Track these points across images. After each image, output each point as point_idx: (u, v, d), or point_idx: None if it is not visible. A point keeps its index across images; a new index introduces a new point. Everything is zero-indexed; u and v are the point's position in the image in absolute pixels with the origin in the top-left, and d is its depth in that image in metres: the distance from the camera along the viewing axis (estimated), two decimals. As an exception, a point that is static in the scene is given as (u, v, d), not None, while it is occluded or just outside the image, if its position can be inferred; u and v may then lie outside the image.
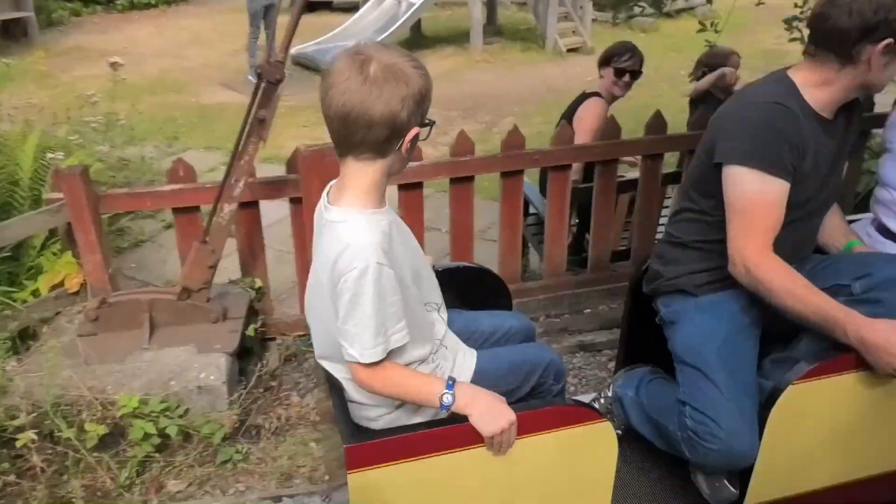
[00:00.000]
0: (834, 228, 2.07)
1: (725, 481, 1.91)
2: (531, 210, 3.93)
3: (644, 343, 2.23)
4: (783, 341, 1.89)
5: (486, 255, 3.37)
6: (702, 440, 1.77)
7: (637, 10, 4.95)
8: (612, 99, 3.67)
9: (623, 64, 3.56)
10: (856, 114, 1.92)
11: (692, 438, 1.80)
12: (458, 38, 11.82)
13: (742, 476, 1.82)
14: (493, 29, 12.48)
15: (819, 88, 1.79)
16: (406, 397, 1.55)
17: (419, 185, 3.04)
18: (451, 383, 1.51)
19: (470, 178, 3.08)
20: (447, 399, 1.49)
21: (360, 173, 1.43)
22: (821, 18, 1.75)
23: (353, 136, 1.37)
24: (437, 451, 1.47)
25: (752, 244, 1.73)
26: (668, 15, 12.27)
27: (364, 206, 1.44)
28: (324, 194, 1.53)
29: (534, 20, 11.93)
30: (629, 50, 3.59)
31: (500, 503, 1.57)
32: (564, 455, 1.58)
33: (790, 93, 1.79)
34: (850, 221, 2.19)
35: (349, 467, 1.42)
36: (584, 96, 3.66)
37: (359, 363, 1.44)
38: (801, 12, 3.84)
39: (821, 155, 1.81)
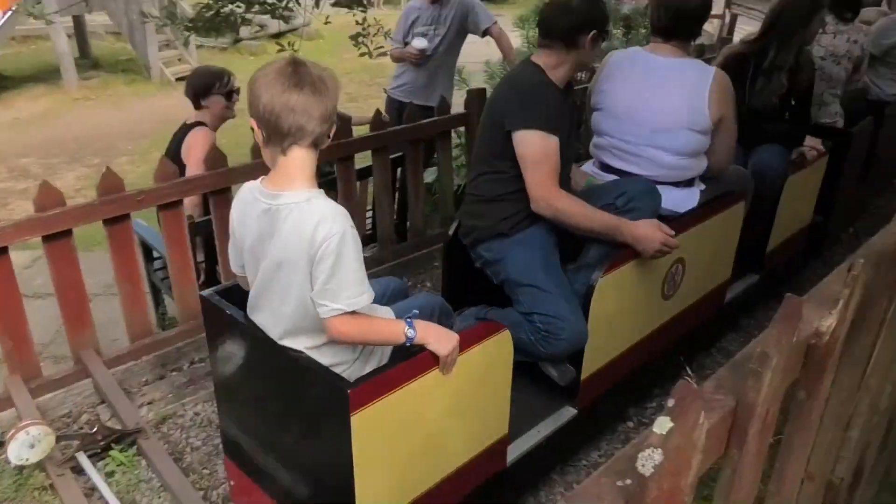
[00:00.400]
0: (574, 172, 2.77)
1: (568, 364, 2.49)
2: (155, 254, 3.69)
3: (461, 292, 2.72)
4: (572, 255, 2.54)
5: (117, 310, 3.06)
6: (554, 335, 2.32)
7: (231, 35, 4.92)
8: (218, 125, 3.63)
9: (229, 86, 3.57)
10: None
11: (546, 337, 2.34)
12: (48, 75, 10.58)
13: (576, 357, 2.44)
14: (90, 62, 11.44)
15: (556, 69, 2.42)
16: (377, 338, 1.81)
17: (4, 251, 2.62)
18: (410, 321, 1.78)
19: (68, 233, 2.75)
20: (410, 333, 1.76)
21: (305, 164, 1.68)
22: (550, 17, 2.42)
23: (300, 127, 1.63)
24: (409, 380, 1.77)
25: (547, 186, 2.33)
26: (276, 36, 12.54)
27: (313, 186, 1.69)
28: (255, 189, 1.74)
29: (133, 50, 11.22)
30: (221, 72, 3.59)
31: (451, 412, 1.96)
32: (483, 362, 1.99)
33: (541, 73, 2.41)
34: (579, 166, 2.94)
35: (352, 410, 1.63)
36: (185, 128, 3.53)
37: (344, 314, 1.65)
38: (363, 29, 4.22)
39: (566, 117, 2.46)
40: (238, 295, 2.00)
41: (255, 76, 1.64)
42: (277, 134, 1.64)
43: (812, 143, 3.61)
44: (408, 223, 4.38)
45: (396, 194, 4.43)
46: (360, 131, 3.90)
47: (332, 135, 1.71)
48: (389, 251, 4.13)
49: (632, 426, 2.91)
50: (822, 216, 3.94)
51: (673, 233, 2.42)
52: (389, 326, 1.82)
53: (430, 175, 4.84)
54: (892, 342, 1.46)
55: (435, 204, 4.65)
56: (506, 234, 2.45)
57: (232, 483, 2.36)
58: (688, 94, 2.59)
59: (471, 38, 4.88)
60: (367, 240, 4.31)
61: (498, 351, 2.04)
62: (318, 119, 1.63)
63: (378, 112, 3.96)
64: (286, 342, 1.82)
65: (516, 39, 5.73)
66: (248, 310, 1.91)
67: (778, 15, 3.35)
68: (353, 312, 1.67)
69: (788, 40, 3.30)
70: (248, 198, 1.77)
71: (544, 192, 2.33)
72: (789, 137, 3.52)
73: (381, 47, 4.34)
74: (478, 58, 5.80)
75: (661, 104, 2.60)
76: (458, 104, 4.56)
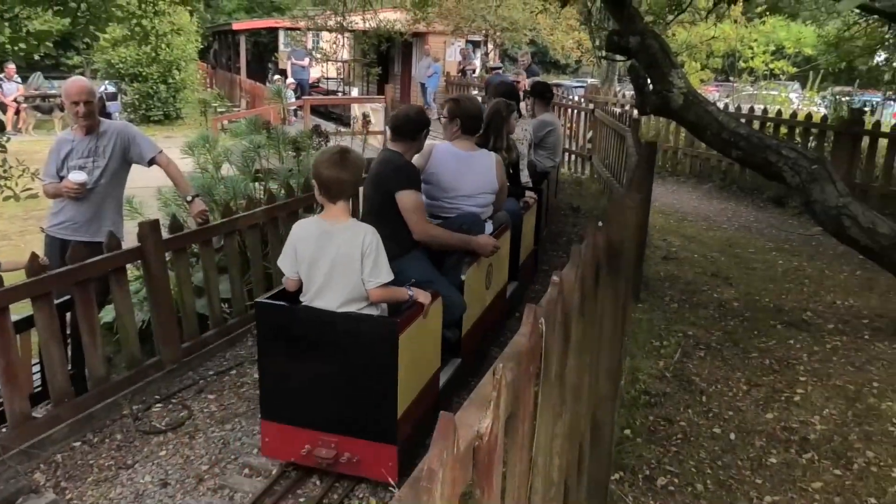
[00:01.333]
0: None
1: (455, 328, 3.79)
2: None
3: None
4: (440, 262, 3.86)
5: None
6: (449, 308, 3.56)
7: None
8: None
9: None
10: None
11: (447, 309, 3.52)
12: None
13: (458, 325, 3.82)
14: None
15: (406, 152, 3.83)
16: (393, 298, 3.13)
17: None
18: (409, 287, 3.20)
19: None
20: (410, 293, 3.16)
21: (347, 207, 3.10)
22: (401, 124, 3.85)
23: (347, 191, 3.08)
24: (413, 319, 3.08)
25: (423, 222, 3.69)
26: None
27: (348, 218, 3.09)
28: (313, 222, 3.15)
29: None
30: None
31: (424, 341, 3.26)
32: (435, 314, 3.35)
33: (400, 156, 3.78)
34: None
35: (399, 332, 2.91)
36: None
37: (381, 285, 2.99)
38: (3, 171, 3.89)
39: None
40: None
41: (320, 159, 3.09)
42: (330, 193, 3.03)
43: (529, 196, 5.42)
44: (86, 372, 3.95)
45: (69, 342, 3.99)
46: (15, 277, 3.47)
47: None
48: (67, 407, 3.66)
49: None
50: (536, 244, 5.87)
51: (498, 242, 4.08)
52: (400, 291, 3.15)
53: (109, 313, 4.47)
54: (548, 422, 1.71)
55: (119, 343, 4.28)
56: (401, 256, 3.52)
57: (266, 440, 3.25)
58: (484, 172, 4.22)
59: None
60: (35, 399, 3.81)
61: (439, 307, 3.41)
62: (352, 186, 3.14)
63: (34, 255, 3.58)
64: (342, 309, 3.02)
65: (188, 165, 5.66)
66: (306, 300, 3.11)
67: (490, 117, 5.03)
68: (384, 284, 3.01)
69: (499, 132, 5.12)
70: (307, 227, 3.13)
71: (422, 226, 3.69)
72: (517, 193, 5.22)
73: (30, 188, 3.95)
74: (150, 184, 5.59)
75: (468, 182, 4.17)
76: (132, 234, 4.32)
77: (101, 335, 3.97)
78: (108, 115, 15.96)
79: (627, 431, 3.43)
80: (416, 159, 4.03)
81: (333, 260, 2.98)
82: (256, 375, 4.33)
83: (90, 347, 3.83)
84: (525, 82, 10.79)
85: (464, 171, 4.16)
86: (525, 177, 5.77)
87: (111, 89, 16.26)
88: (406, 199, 3.63)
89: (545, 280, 5.92)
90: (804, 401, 3.82)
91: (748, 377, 4.11)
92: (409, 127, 3.83)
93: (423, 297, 3.18)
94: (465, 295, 3.76)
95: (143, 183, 5.13)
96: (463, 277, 3.77)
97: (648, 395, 3.83)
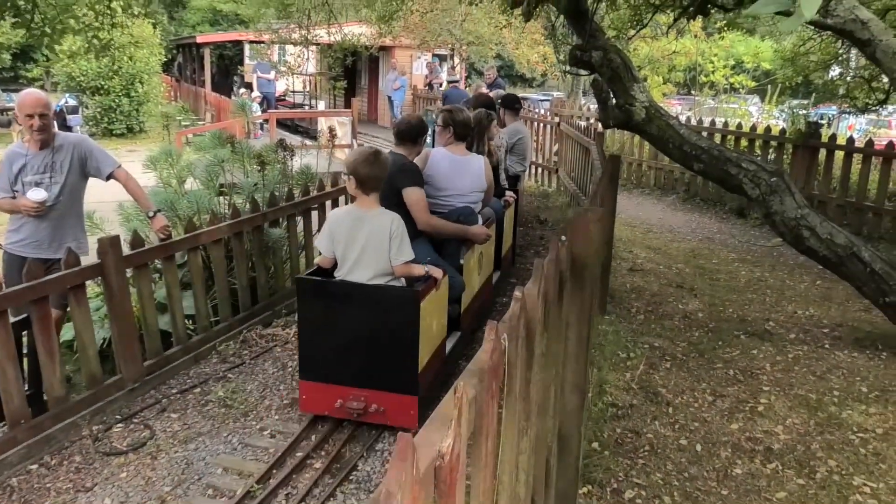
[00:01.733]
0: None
1: (455, 304, 4.39)
2: None
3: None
4: (440, 249, 4.40)
5: None
6: (452, 286, 4.13)
7: None
8: None
9: None
10: None
11: (453, 291, 4.18)
12: None
13: (457, 301, 4.37)
14: None
15: (409, 155, 4.45)
16: (414, 273, 3.69)
17: None
18: (427, 264, 3.81)
19: None
20: (427, 269, 3.74)
21: (377, 198, 3.67)
22: (404, 130, 4.47)
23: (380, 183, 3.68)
24: (430, 290, 3.68)
25: (426, 214, 4.26)
26: None
27: (378, 207, 3.69)
28: (349, 210, 3.79)
29: None
30: None
31: (434, 312, 3.82)
32: (444, 287, 3.97)
33: (405, 157, 4.41)
34: None
35: (420, 300, 3.53)
36: None
37: (405, 262, 3.60)
38: None
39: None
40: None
41: (356, 159, 3.64)
42: (365, 186, 3.61)
43: (509, 195, 6.06)
44: (44, 392, 3.84)
45: (25, 361, 3.88)
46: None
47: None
48: (24, 429, 3.55)
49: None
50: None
51: (490, 231, 4.83)
52: (418, 268, 3.72)
53: (68, 331, 4.37)
54: (512, 438, 1.70)
55: (79, 362, 4.17)
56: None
57: (304, 397, 3.82)
58: (475, 173, 4.75)
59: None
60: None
61: (445, 284, 3.98)
62: (382, 180, 3.68)
63: None
64: (372, 282, 3.61)
65: (150, 180, 5.56)
66: (340, 275, 3.70)
67: (476, 124, 5.35)
68: (407, 262, 3.61)
69: (482, 139, 5.57)
70: (342, 214, 3.78)
71: (425, 217, 4.26)
72: (497, 193, 5.67)
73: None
74: (111, 198, 5.48)
75: (461, 182, 4.70)
76: (95, 248, 4.23)
77: (60, 354, 3.86)
78: (69, 129, 15.69)
79: (595, 444, 3.44)
80: (416, 161, 4.53)
81: (366, 241, 3.61)
82: (221, 393, 4.26)
83: (48, 367, 3.73)
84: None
85: (457, 172, 4.70)
86: (502, 180, 6.35)
87: (72, 102, 15.98)
88: (411, 195, 4.23)
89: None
90: (768, 410, 3.87)
91: (713, 388, 4.16)
92: (412, 133, 4.47)
93: (436, 272, 3.79)
94: (463, 276, 4.39)
95: (104, 197, 5.03)
96: (462, 261, 4.43)
97: (616, 407, 3.85)
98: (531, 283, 1.81)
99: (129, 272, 4.33)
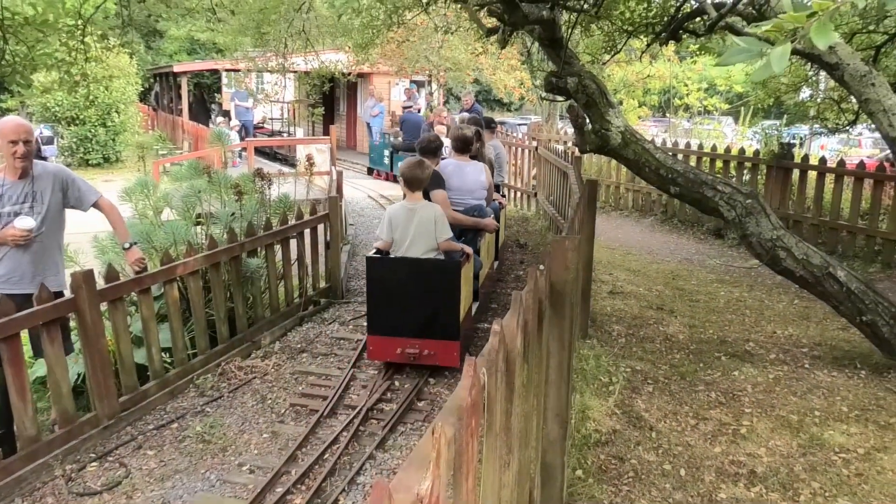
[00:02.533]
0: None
1: (475, 280, 5.52)
2: None
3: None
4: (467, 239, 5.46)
5: None
6: (475, 265, 5.46)
7: None
8: None
9: None
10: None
11: (474, 269, 5.49)
12: None
13: (476, 277, 5.66)
14: None
15: (431, 164, 5.42)
16: (454, 248, 4.90)
17: None
18: (462, 241, 5.24)
19: None
20: (461, 246, 5.02)
21: (420, 194, 4.91)
22: (425, 145, 5.70)
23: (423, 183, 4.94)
24: (463, 265, 4.85)
25: (449, 210, 5.28)
26: None
27: (422, 201, 4.93)
28: (403, 204, 4.91)
29: None
30: None
31: (466, 283, 4.95)
32: (470, 265, 5.21)
33: (430, 167, 5.23)
34: None
35: (461, 268, 4.78)
36: None
37: (447, 239, 4.80)
38: None
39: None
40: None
41: (405, 166, 4.90)
42: (411, 186, 4.84)
43: (500, 198, 7.34)
44: (15, 432, 3.74)
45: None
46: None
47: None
48: (-8, 471, 3.46)
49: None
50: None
51: (497, 224, 6.02)
52: (456, 245, 4.92)
53: (41, 367, 4.26)
54: (494, 472, 1.67)
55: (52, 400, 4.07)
56: None
57: (371, 348, 4.85)
58: (478, 176, 5.85)
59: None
60: None
61: (472, 260, 5.17)
62: (423, 182, 4.89)
63: None
64: (423, 256, 4.73)
65: (126, 210, 5.50)
66: (398, 254, 4.85)
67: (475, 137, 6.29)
68: (448, 239, 4.79)
69: (481, 150, 6.45)
70: (397, 207, 4.88)
71: (448, 212, 5.13)
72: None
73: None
74: (85, 230, 5.40)
75: (468, 183, 5.80)
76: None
77: (32, 392, 3.77)
78: (45, 159, 15.50)
79: (579, 472, 3.41)
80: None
81: (416, 226, 4.80)
82: (198, 428, 4.18)
83: (19, 406, 3.64)
84: (445, 118, 12.33)
85: (464, 175, 5.84)
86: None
87: (47, 133, 15.82)
88: (437, 196, 5.28)
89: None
90: (750, 433, 3.86)
91: (695, 411, 4.15)
92: (432, 148, 5.67)
93: (468, 249, 5.08)
94: (480, 257, 5.55)
95: (78, 229, 4.95)
96: (479, 246, 5.60)
97: (599, 433, 3.82)
98: (510, 315, 1.79)
99: (103, 306, 4.26)
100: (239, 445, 4.05)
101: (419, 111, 18.28)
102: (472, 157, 6.14)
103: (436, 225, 4.77)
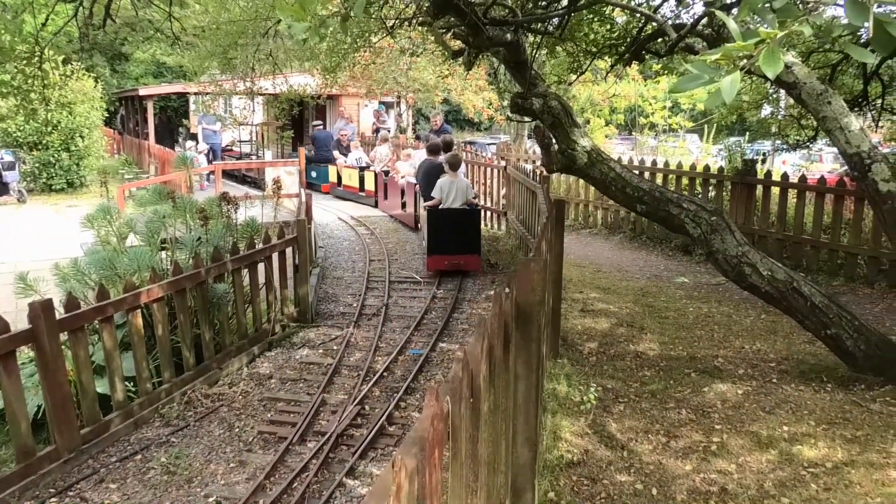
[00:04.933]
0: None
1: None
2: None
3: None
4: None
5: None
6: None
7: None
8: None
9: None
10: None
11: None
12: None
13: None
14: None
15: (436, 160, 9.61)
16: (475, 203, 9.14)
17: None
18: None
19: None
20: (476, 201, 9.48)
21: (457, 171, 8.73)
22: (432, 146, 9.92)
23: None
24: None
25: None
26: None
27: (459, 175, 8.84)
28: (448, 177, 8.62)
29: None
30: None
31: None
32: None
33: (438, 162, 9.48)
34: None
35: (479, 217, 9.22)
36: None
37: (472, 197, 8.74)
38: None
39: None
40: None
41: (447, 156, 8.90)
42: (452, 167, 8.64)
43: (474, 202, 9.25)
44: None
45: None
46: None
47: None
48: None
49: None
50: None
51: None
52: (476, 200, 9.06)
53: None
54: (458, 502, 1.64)
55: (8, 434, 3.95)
56: None
57: (429, 263, 8.24)
58: (465, 187, 8.56)
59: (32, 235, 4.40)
60: None
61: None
62: (458, 165, 8.78)
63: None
64: (459, 207, 8.49)
65: (89, 237, 5.39)
66: (444, 206, 8.46)
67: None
68: (472, 197, 8.72)
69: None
70: (446, 180, 8.57)
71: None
72: None
73: None
74: (46, 257, 5.28)
75: (459, 191, 8.44)
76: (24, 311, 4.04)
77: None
78: (6, 185, 15.19)
79: (551, 494, 3.38)
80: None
81: (457, 190, 8.33)
82: (163, 459, 4.08)
83: (-27, 443, 3.51)
84: (405, 157, 12.70)
85: (455, 186, 8.47)
86: None
87: (9, 158, 15.49)
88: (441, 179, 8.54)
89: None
90: (721, 450, 3.87)
91: (667, 428, 4.16)
92: (437, 148, 9.17)
93: (480, 203, 9.24)
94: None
95: (38, 256, 4.84)
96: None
97: (571, 453, 3.80)
98: (474, 340, 1.77)
99: (63, 336, 4.15)
100: (205, 476, 3.95)
101: (389, 131, 18.34)
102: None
103: (467, 190, 8.50)
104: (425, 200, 8.91)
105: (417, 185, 10.32)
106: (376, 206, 13.17)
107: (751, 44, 1.22)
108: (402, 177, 11.78)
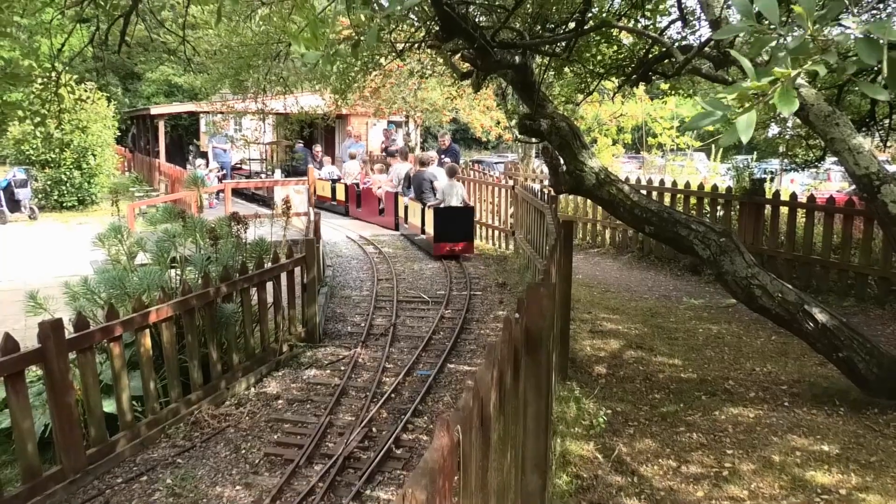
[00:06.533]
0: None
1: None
2: None
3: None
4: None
5: None
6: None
7: None
8: None
9: None
10: None
11: None
12: None
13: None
14: None
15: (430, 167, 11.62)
16: (469, 203, 11.72)
17: None
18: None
19: None
20: (469, 203, 11.60)
21: (455, 178, 10.98)
22: (425, 160, 11.90)
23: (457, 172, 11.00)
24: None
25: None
26: None
27: (457, 182, 11.05)
28: (450, 182, 10.79)
29: None
30: None
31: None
32: None
33: (429, 173, 11.54)
34: None
35: (474, 211, 11.83)
36: None
37: (465, 198, 11.07)
38: None
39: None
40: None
41: (449, 166, 11.35)
42: (452, 176, 10.85)
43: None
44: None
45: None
46: None
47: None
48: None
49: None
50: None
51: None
52: (468, 201, 11.39)
53: (5, 418, 4.14)
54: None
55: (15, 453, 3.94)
56: None
57: (436, 248, 10.37)
58: (460, 191, 10.77)
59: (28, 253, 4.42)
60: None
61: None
62: (456, 172, 11.16)
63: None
64: (456, 205, 10.61)
65: (99, 256, 5.42)
66: (445, 205, 10.54)
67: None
68: (465, 198, 11.09)
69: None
70: (447, 183, 10.74)
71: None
72: None
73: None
74: (56, 274, 5.30)
75: (456, 194, 10.64)
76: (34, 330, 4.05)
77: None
78: (18, 202, 15.31)
79: (560, 519, 3.34)
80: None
81: (455, 192, 10.53)
82: (169, 481, 4.07)
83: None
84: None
85: (454, 189, 10.35)
86: None
87: (21, 176, 15.63)
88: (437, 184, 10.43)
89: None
90: (732, 475, 3.83)
91: (677, 453, 4.11)
92: (427, 161, 11.27)
93: (471, 204, 11.07)
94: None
95: (48, 273, 4.86)
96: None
97: (580, 479, 3.77)
98: (484, 368, 1.76)
99: (72, 355, 4.15)
100: (211, 498, 3.93)
101: (397, 151, 18.45)
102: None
103: (462, 192, 10.59)
104: (422, 203, 11.10)
105: (399, 193, 12.65)
106: (347, 213, 14.73)
107: (766, 83, 1.22)
108: (379, 187, 13.53)
